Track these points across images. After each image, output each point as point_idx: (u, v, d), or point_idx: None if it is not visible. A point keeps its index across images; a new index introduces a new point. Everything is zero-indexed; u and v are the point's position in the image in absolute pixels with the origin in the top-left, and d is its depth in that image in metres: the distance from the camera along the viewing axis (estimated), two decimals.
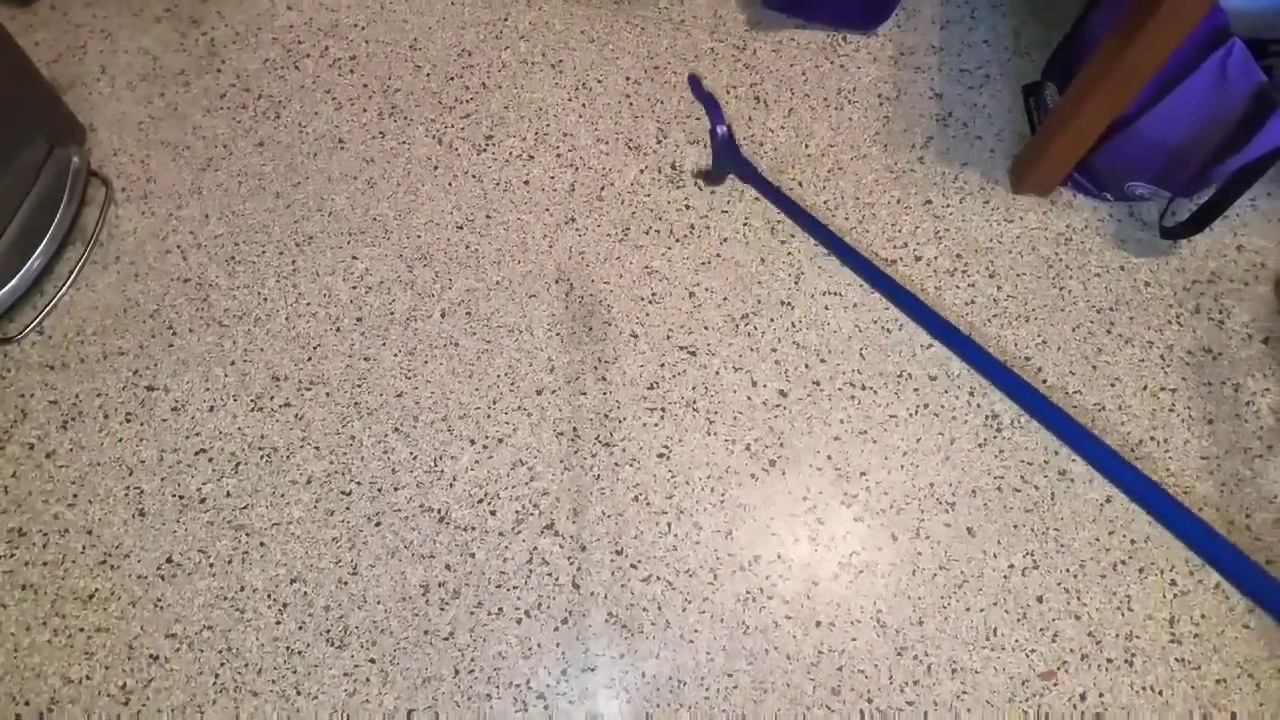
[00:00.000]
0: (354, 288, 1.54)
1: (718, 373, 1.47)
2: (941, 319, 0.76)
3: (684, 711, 1.28)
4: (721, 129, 1.02)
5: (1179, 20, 1.17)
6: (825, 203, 1.60)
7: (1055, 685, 1.29)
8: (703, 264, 1.55)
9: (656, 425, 1.45)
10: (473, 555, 1.37)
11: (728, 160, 1.02)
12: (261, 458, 1.43)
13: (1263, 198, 1.59)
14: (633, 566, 1.36)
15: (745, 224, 1.58)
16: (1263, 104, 1.25)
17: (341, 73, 1.71)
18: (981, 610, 1.33)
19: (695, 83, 1.08)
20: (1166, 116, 1.34)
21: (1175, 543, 1.36)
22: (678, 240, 1.57)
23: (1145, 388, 1.47)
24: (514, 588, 1.35)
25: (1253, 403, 1.46)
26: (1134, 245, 1.56)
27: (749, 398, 1.46)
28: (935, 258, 1.56)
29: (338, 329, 1.52)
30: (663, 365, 1.48)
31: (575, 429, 1.44)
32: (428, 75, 1.71)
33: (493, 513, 1.40)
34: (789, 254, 1.56)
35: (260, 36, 1.74)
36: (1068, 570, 1.35)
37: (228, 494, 1.41)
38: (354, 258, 1.57)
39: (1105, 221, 1.58)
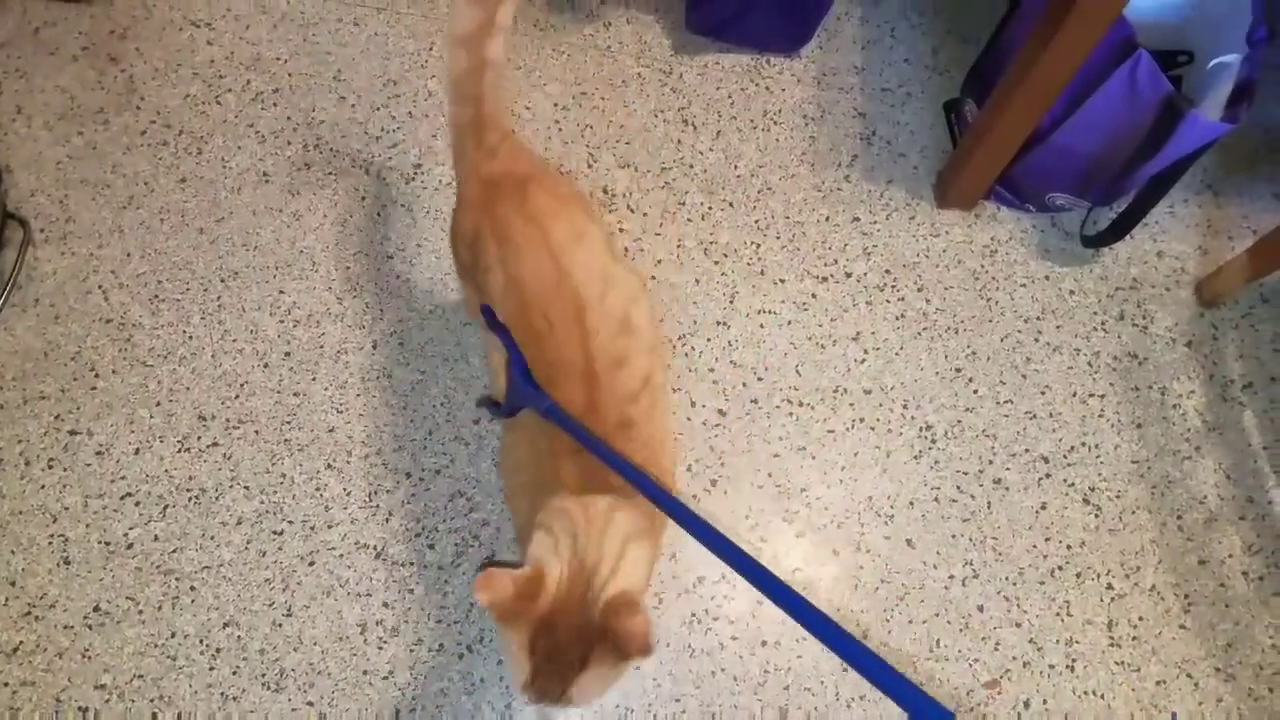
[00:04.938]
0: (281, 322, 1.52)
1: None
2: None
3: None
4: (520, 364, 0.97)
5: (1085, 33, 1.20)
6: (756, 222, 1.61)
7: (999, 694, 1.30)
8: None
9: None
10: (411, 591, 1.35)
11: (524, 397, 0.97)
12: (190, 500, 1.40)
13: (1180, 204, 1.64)
14: None
15: (679, 246, 1.58)
16: (1171, 113, 1.28)
17: (265, 106, 1.69)
18: (924, 622, 1.33)
19: (489, 314, 1.04)
20: (1080, 128, 1.37)
21: (1110, 547, 1.38)
22: None
23: (1074, 394, 1.49)
24: (455, 622, 1.33)
25: (1179, 405, 1.48)
26: (1057, 255, 1.59)
27: (688, 418, 1.46)
28: (865, 274, 1.57)
29: (265, 365, 1.49)
30: None
31: None
32: (353, 106, 1.69)
33: (431, 546, 1.37)
34: (723, 274, 1.57)
35: (180, 72, 1.71)
36: (1007, 578, 1.36)
37: (156, 538, 1.37)
38: (281, 292, 1.54)
39: (1028, 232, 1.61)
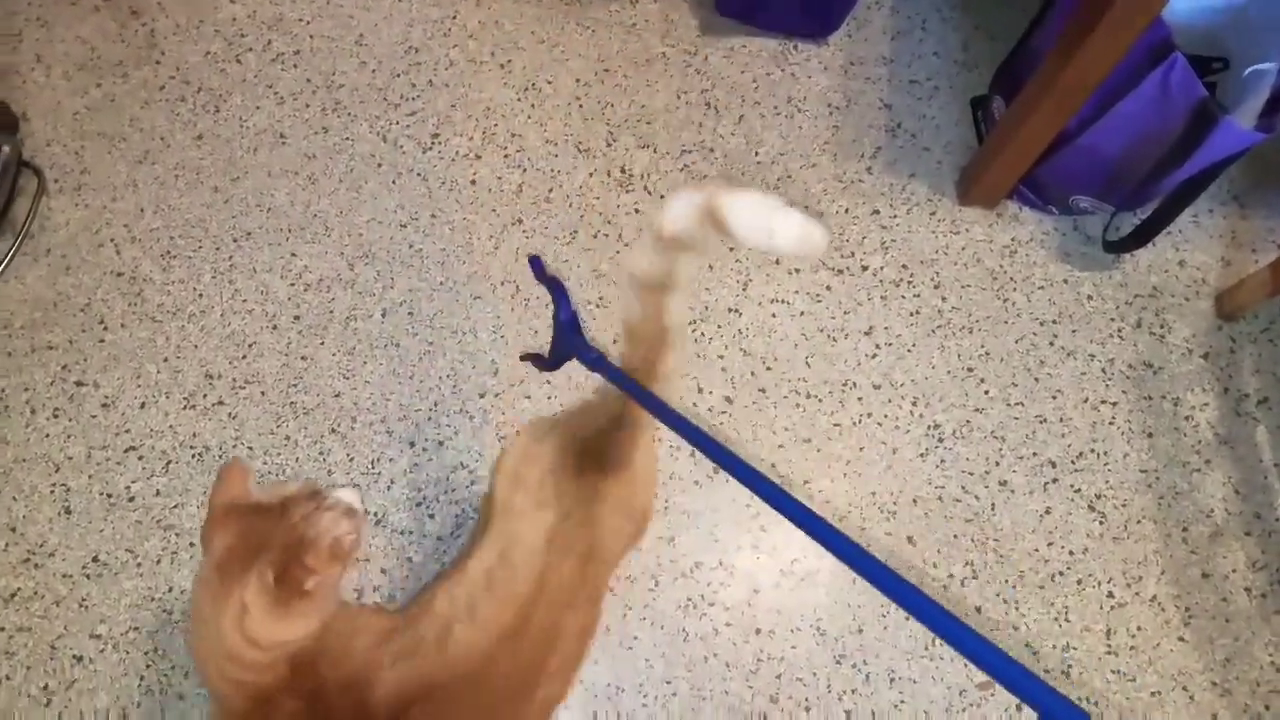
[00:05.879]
0: (292, 285, 1.51)
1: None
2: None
3: (622, 718, 1.26)
4: (568, 314, 0.93)
5: (1120, 34, 1.18)
6: None
7: (992, 695, 1.29)
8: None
9: None
10: (410, 559, 1.34)
11: (571, 346, 0.92)
12: (193, 456, 1.40)
13: (1204, 214, 1.61)
14: None
15: None
16: (1204, 119, 1.26)
17: (285, 67, 1.68)
18: None
19: (537, 265, 0.97)
20: (1109, 130, 1.35)
21: (1113, 555, 1.37)
22: (626, 244, 1.56)
23: (1086, 400, 1.47)
24: None
25: (1192, 417, 1.47)
26: (1078, 259, 1.58)
27: (694, 404, 1.45)
28: (881, 268, 1.56)
29: (274, 327, 1.48)
30: None
31: (519, 433, 1.42)
32: (373, 71, 1.68)
33: (431, 516, 1.37)
34: (737, 261, 1.55)
35: (202, 29, 1.70)
36: (1006, 581, 1.35)
37: (157, 493, 1.37)
38: (293, 255, 1.53)
39: (1050, 235, 1.59)
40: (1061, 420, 1.46)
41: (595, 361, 0.89)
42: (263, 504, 0.88)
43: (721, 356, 1.48)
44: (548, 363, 1.01)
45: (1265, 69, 1.30)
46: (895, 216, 1.60)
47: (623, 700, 1.27)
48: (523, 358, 1.04)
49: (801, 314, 1.52)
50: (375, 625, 0.89)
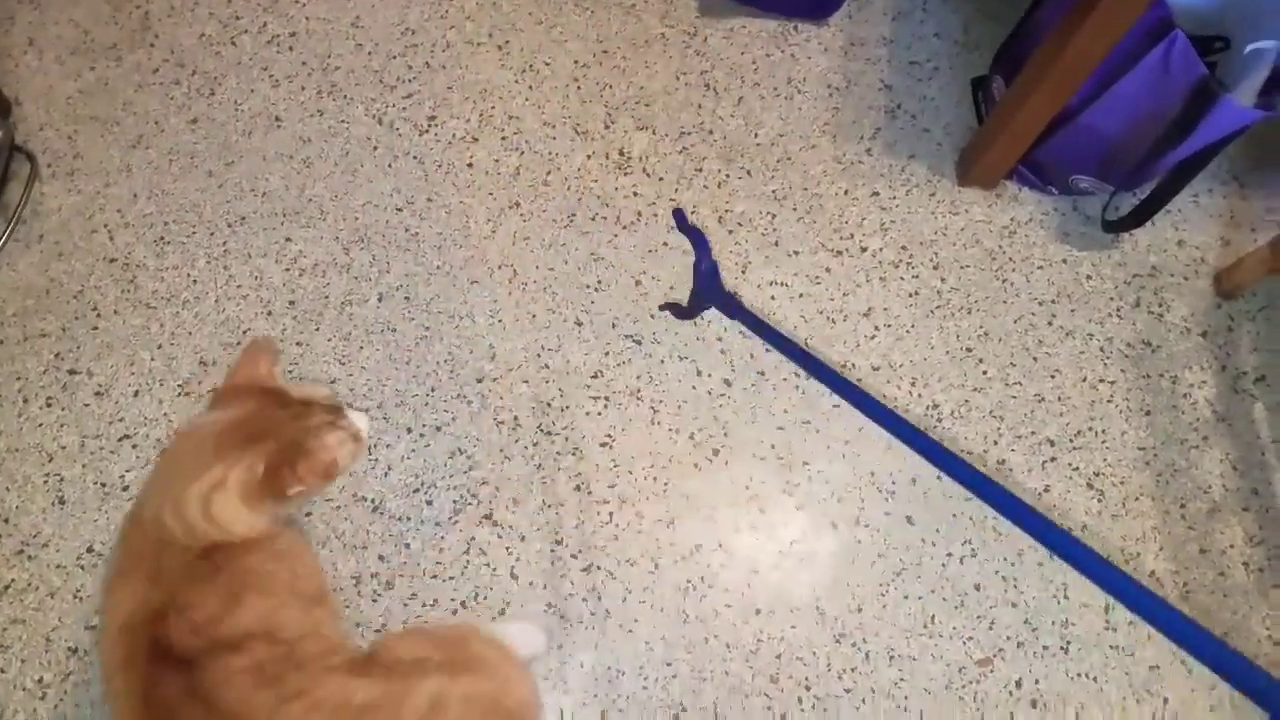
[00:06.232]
0: (287, 270, 1.50)
1: (663, 362, 1.45)
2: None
3: (622, 701, 1.26)
4: (708, 264, 0.95)
5: (1118, 16, 1.17)
6: (773, 193, 1.58)
7: (991, 672, 1.29)
8: (650, 251, 1.53)
9: (600, 414, 1.42)
10: (407, 546, 1.34)
11: (710, 295, 0.94)
12: None
13: (1204, 194, 1.61)
14: (573, 556, 1.34)
15: (693, 213, 1.56)
16: (1204, 97, 1.25)
17: (280, 49, 1.67)
18: (920, 598, 1.33)
19: (681, 217, 1.00)
20: (1109, 109, 1.35)
21: (1112, 532, 1.38)
22: (624, 227, 1.55)
23: (1085, 379, 1.47)
24: (450, 579, 1.32)
25: (1189, 395, 1.47)
26: (1077, 238, 1.57)
27: (694, 387, 1.44)
28: (881, 249, 1.55)
29: (269, 313, 1.48)
30: (607, 354, 1.46)
31: (516, 418, 1.42)
32: (369, 54, 1.67)
33: (429, 502, 1.37)
34: (737, 244, 1.55)
35: (196, 11, 1.69)
36: (1005, 559, 1.35)
37: None
38: (288, 239, 1.53)
39: (1049, 215, 1.59)
40: (1060, 399, 1.46)
41: (734, 308, 0.90)
42: (288, 395, 0.90)
43: (720, 339, 1.47)
44: (686, 311, 1.02)
45: (1265, 47, 1.29)
46: (894, 198, 1.60)
47: (623, 683, 1.27)
48: (662, 307, 1.04)
49: (800, 296, 1.52)
50: (278, 601, 0.86)
